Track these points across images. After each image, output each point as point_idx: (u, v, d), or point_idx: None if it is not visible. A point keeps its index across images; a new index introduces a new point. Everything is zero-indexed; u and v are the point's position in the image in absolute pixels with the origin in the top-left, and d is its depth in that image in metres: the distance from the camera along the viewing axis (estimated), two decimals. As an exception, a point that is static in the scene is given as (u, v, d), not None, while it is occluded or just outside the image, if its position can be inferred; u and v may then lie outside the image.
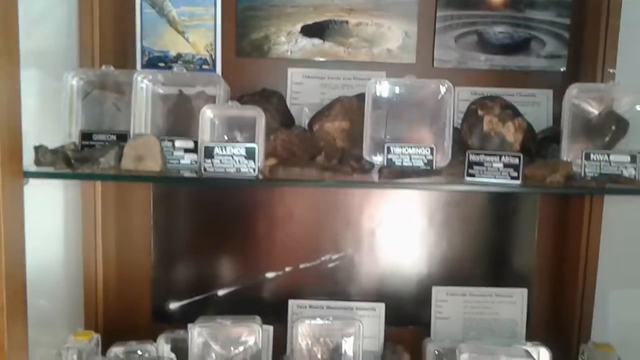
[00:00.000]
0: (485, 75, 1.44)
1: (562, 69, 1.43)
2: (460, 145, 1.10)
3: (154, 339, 1.38)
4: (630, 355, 1.25)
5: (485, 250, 1.50)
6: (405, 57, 1.43)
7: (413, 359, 1.42)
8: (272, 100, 1.31)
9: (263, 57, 1.43)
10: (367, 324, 1.45)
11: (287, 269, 1.50)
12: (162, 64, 1.42)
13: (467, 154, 1.00)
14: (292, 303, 1.49)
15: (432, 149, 1.05)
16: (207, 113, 0.99)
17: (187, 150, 1.04)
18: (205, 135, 1.00)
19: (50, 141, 1.11)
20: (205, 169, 0.97)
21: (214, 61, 1.42)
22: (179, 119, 1.11)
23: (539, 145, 1.18)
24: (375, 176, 1.02)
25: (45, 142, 1.07)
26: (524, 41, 1.42)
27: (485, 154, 0.99)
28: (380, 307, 1.48)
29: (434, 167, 1.05)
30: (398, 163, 1.05)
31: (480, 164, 1.00)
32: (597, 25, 1.36)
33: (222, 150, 0.97)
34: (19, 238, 0.91)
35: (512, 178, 0.98)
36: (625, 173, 1.01)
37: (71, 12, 1.36)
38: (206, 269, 1.50)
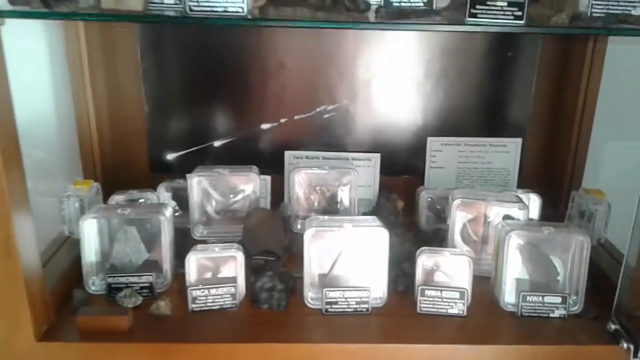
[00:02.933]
0: None
1: None
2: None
3: (153, 188, 1.40)
4: (620, 203, 1.28)
5: (482, 101, 1.49)
6: None
7: (407, 206, 1.47)
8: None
9: None
10: (363, 174, 1.48)
11: (282, 120, 1.49)
12: None
13: (469, -8, 0.95)
14: (288, 154, 1.50)
15: (434, -14, 0.99)
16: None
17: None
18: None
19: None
20: (190, 9, 0.92)
21: None
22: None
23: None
24: (371, 16, 0.97)
25: None
26: None
27: (490, -8, 0.94)
28: (376, 157, 1.50)
29: (433, 7, 0.99)
30: (396, 4, 1.00)
31: (483, 2, 0.95)
32: None
33: (209, -16, 0.91)
34: (3, 82, 0.88)
35: (516, 18, 0.94)
36: (635, 12, 0.96)
37: None
38: (201, 120, 1.49)
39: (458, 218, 1.25)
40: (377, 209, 1.47)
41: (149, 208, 1.18)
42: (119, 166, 1.49)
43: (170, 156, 1.52)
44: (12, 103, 0.91)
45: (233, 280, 1.10)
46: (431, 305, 1.09)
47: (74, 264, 1.17)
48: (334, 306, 1.08)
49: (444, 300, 1.09)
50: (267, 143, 1.50)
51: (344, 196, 1.42)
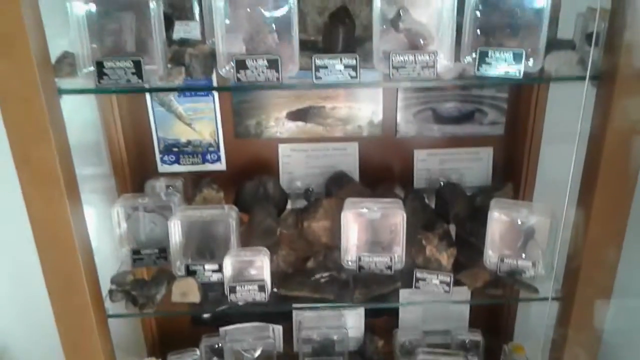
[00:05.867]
0: (438, 140, 1.77)
1: (500, 133, 1.76)
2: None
3: (195, 339, 1.90)
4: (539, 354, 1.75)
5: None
6: (373, 130, 1.74)
7: (385, 342, 1.96)
8: (268, 187, 1.67)
9: (257, 138, 1.75)
10: (351, 319, 1.97)
11: (289, 286, 1.96)
12: (175, 149, 1.75)
13: (414, 271, 1.42)
14: (295, 311, 1.98)
15: (391, 258, 1.45)
16: (227, 263, 1.38)
17: (214, 271, 1.45)
18: (227, 273, 1.40)
19: (106, 253, 1.52)
20: (230, 300, 1.40)
21: (217, 144, 1.74)
22: (205, 239, 1.49)
23: (472, 222, 1.58)
24: (350, 293, 1.45)
25: (103, 256, 1.46)
26: (470, 113, 1.73)
27: (428, 273, 1.41)
28: (361, 310, 1.99)
29: (392, 272, 1.46)
30: (367, 269, 1.47)
31: (424, 279, 1.42)
32: (529, 99, 1.67)
33: (242, 287, 1.39)
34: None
35: (445, 292, 1.41)
36: (528, 274, 1.43)
37: (95, 117, 1.66)
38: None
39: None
40: (363, 347, 1.98)
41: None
42: (170, 326, 1.98)
43: (206, 314, 2.00)
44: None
45: None
46: None
47: None
48: None
49: None
50: (279, 302, 1.98)
51: (338, 340, 1.92)
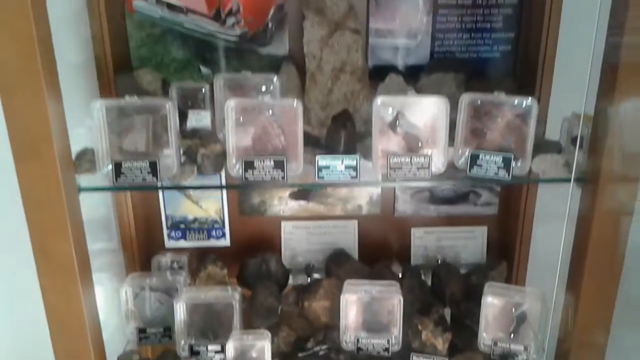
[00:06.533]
0: (434, 219, 1.85)
1: (494, 213, 1.84)
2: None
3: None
4: None
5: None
6: (372, 210, 1.82)
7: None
8: (270, 264, 1.73)
9: (261, 216, 1.82)
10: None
11: (289, 357, 2.01)
12: (182, 225, 1.82)
13: (411, 355, 1.47)
14: (294, 378, 2.02)
15: (388, 340, 1.51)
16: (230, 346, 1.44)
17: (217, 352, 1.50)
18: (230, 355, 1.45)
19: (113, 327, 1.57)
20: (234, 382, 1.44)
21: (222, 221, 1.82)
22: (209, 319, 1.55)
23: (467, 303, 1.64)
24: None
25: (109, 330, 1.51)
26: (464, 194, 1.81)
27: (424, 357, 1.47)
28: (359, 379, 2.02)
29: (389, 354, 1.51)
30: (365, 350, 1.52)
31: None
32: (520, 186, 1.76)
33: (245, 371, 1.44)
34: None
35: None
36: (521, 358, 1.48)
37: (107, 194, 1.74)
38: None
39: None
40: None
41: None
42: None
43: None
44: None
45: None
46: None
47: None
48: None
49: None
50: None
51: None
